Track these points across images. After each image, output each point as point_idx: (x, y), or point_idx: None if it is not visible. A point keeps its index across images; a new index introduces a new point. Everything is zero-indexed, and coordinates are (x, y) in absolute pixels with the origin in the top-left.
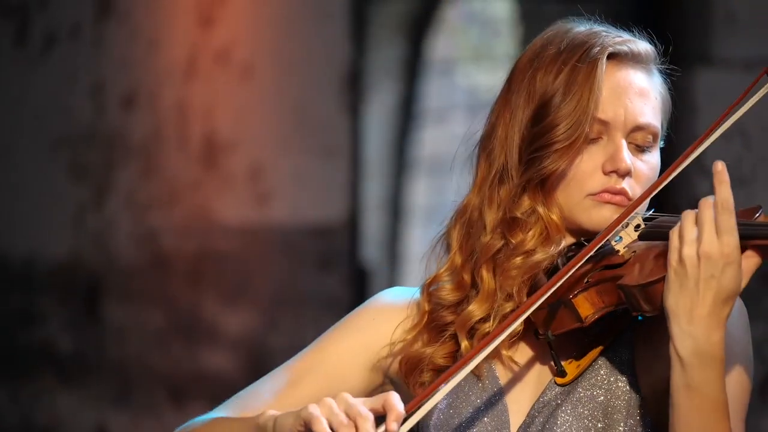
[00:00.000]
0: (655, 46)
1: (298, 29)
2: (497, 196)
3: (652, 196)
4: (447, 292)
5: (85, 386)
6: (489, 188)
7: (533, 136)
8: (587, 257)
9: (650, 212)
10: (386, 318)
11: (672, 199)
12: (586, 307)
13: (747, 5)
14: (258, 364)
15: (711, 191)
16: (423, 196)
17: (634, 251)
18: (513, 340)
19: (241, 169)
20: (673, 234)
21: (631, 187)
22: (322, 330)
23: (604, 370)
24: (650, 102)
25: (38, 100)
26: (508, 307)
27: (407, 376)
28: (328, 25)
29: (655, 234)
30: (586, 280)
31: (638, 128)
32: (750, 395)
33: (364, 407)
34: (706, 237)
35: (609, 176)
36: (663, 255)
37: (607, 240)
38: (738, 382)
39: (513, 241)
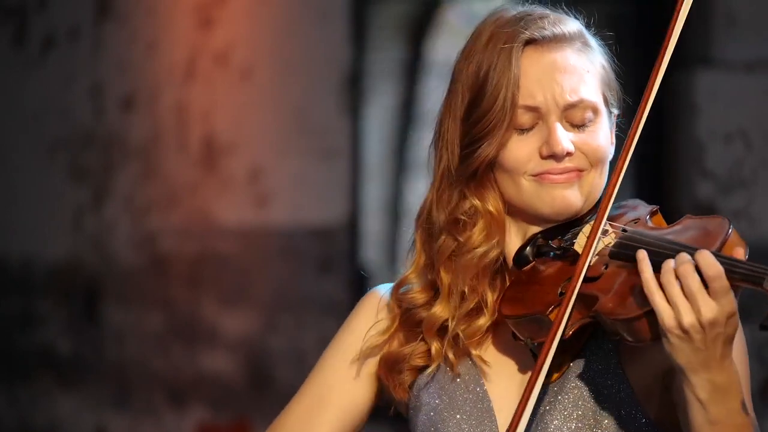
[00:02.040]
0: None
1: (298, 31)
2: (445, 197)
3: (613, 196)
4: (415, 294)
5: (84, 389)
6: (438, 188)
7: (465, 133)
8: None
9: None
10: (365, 324)
11: (673, 200)
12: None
13: (747, 6)
14: (257, 367)
15: (712, 192)
16: (423, 197)
17: (606, 264)
18: (482, 338)
19: (240, 171)
20: (658, 299)
21: (577, 161)
22: (322, 332)
23: (590, 364)
24: (580, 78)
25: (37, 102)
26: (469, 305)
27: (386, 377)
28: (328, 27)
29: (625, 254)
30: (560, 292)
31: (571, 106)
32: (748, 365)
33: None
34: (704, 305)
35: (547, 160)
36: (639, 284)
37: (573, 241)
38: (740, 369)
39: (461, 240)
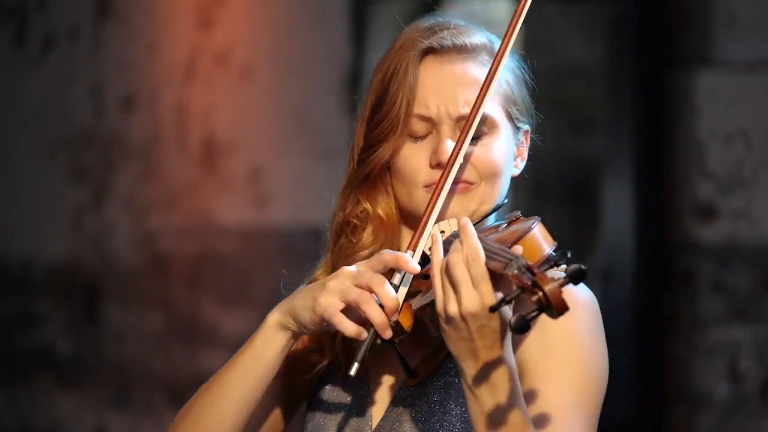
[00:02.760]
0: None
1: (298, 31)
2: (344, 199)
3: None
4: None
5: (84, 389)
6: (342, 190)
7: (365, 137)
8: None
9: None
10: None
11: (675, 200)
12: (407, 317)
13: (747, 7)
14: None
15: (712, 192)
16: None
17: None
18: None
19: (240, 171)
20: (436, 284)
21: (468, 174)
22: None
23: (451, 366)
24: (478, 90)
25: (37, 102)
26: None
27: (286, 377)
28: (328, 27)
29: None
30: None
31: (464, 118)
32: (601, 381)
33: (371, 272)
34: (466, 296)
35: (436, 170)
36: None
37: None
38: (577, 381)
39: (354, 242)
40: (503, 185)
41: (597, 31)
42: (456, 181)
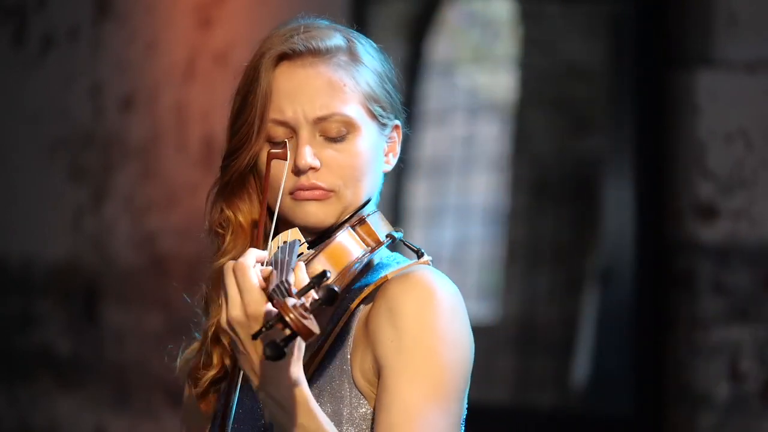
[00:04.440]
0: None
1: None
2: (211, 207)
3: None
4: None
5: (84, 389)
6: (208, 198)
7: (228, 143)
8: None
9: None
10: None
11: (675, 201)
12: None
13: (748, 6)
14: None
15: (712, 193)
16: (423, 197)
17: None
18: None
19: None
20: (222, 294)
21: (324, 179)
22: None
23: (330, 361)
24: (335, 92)
25: (36, 102)
26: (216, 314)
27: (189, 390)
28: None
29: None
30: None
31: (321, 119)
32: (458, 374)
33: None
34: (231, 302)
35: (298, 175)
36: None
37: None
38: (420, 371)
39: (220, 249)
40: (369, 185)
41: (597, 31)
42: (306, 188)
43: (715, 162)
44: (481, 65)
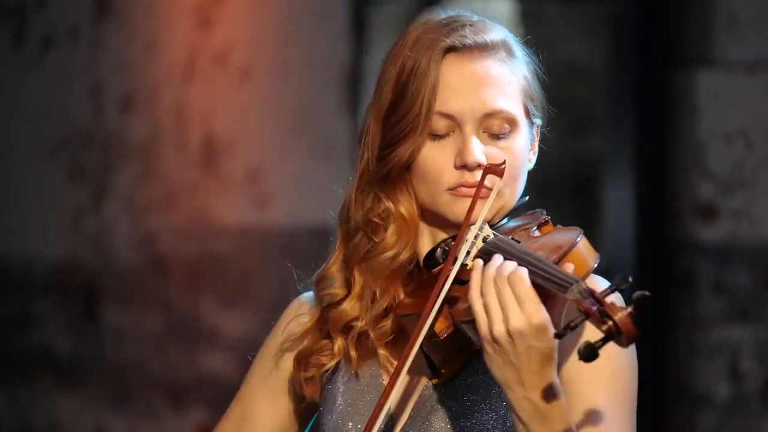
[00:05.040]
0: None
1: (298, 31)
2: (362, 196)
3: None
4: (334, 290)
5: (84, 389)
6: (358, 186)
7: (384, 135)
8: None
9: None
10: (291, 323)
11: (675, 201)
12: (440, 322)
13: (748, 6)
14: None
15: (712, 192)
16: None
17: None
18: (389, 341)
19: (240, 171)
20: (477, 307)
21: (489, 178)
22: None
23: (479, 374)
24: (500, 88)
25: (36, 102)
26: (380, 306)
27: (295, 372)
28: (328, 27)
29: (485, 260)
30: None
31: (488, 116)
32: (636, 389)
33: None
34: (513, 314)
35: (461, 170)
36: None
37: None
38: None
39: (376, 241)
40: (522, 183)
41: (597, 31)
42: (470, 185)
43: (715, 162)
44: None
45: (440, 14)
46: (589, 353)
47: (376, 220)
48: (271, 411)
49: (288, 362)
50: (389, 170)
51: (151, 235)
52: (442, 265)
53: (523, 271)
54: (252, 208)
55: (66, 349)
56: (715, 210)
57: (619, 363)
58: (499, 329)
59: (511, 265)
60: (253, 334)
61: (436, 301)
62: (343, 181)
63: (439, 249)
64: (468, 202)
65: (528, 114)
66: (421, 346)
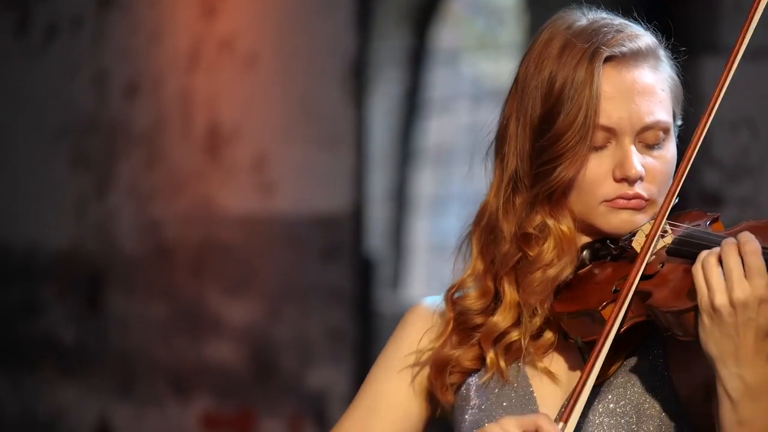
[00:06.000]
0: (659, 33)
1: (302, 19)
2: (512, 206)
3: (675, 196)
4: (473, 300)
5: (88, 377)
6: (504, 194)
7: (540, 149)
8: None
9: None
10: (416, 334)
11: (681, 188)
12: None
13: None
14: (261, 356)
15: (718, 180)
16: (428, 186)
17: (662, 263)
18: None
19: (244, 159)
20: (698, 279)
21: (646, 189)
22: (327, 321)
23: (636, 368)
24: (656, 98)
25: (40, 91)
26: (539, 321)
27: (435, 378)
28: (333, 15)
29: (683, 251)
30: (614, 289)
31: (646, 128)
32: None
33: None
34: (737, 284)
35: (621, 183)
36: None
37: (631, 238)
38: None
39: (531, 254)
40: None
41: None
42: (629, 198)
43: (721, 150)
44: (486, 53)
45: (583, 19)
46: None
47: (533, 232)
48: (400, 408)
49: (417, 373)
50: (553, 190)
51: (155, 223)
52: (589, 265)
53: (758, 245)
54: (256, 195)
55: (70, 337)
56: (721, 198)
57: None
58: (721, 299)
59: (749, 235)
60: (257, 322)
61: (625, 299)
62: (348, 169)
63: (586, 250)
64: (624, 214)
65: (675, 117)
66: (579, 349)
